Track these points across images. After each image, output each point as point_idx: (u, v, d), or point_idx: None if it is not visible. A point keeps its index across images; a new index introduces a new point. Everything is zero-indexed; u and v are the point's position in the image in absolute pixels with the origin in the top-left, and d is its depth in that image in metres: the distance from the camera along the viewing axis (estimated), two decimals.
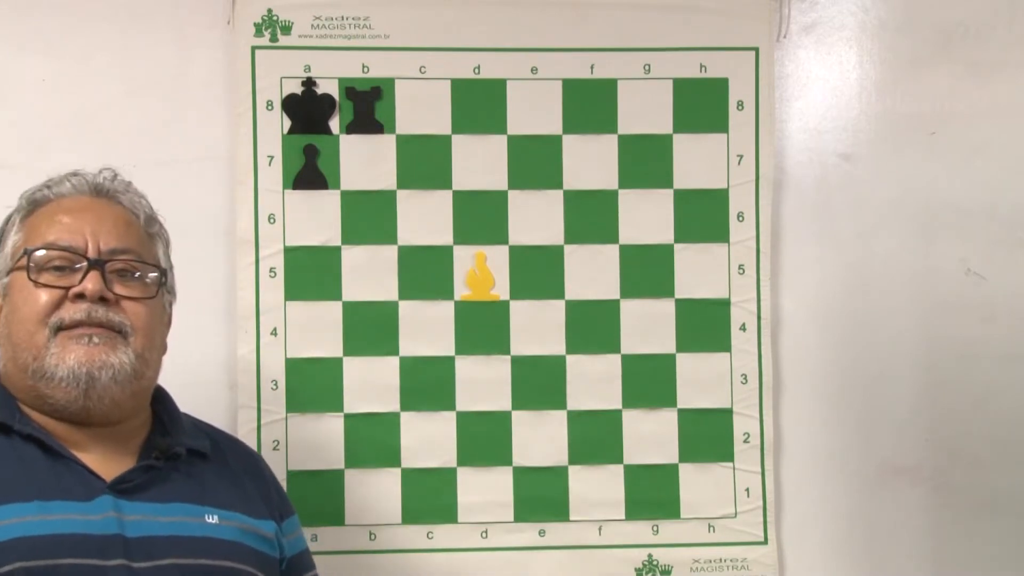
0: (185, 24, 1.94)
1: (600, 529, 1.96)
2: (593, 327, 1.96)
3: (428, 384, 1.94)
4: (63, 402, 1.33)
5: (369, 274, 1.94)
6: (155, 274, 1.43)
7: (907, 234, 2.02)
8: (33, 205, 1.43)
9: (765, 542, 1.98)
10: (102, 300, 1.35)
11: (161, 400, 1.49)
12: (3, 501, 1.27)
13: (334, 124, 1.94)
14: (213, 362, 1.93)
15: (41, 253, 1.36)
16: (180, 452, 1.41)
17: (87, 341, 1.33)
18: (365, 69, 1.94)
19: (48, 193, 1.43)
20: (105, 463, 1.34)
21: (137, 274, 1.40)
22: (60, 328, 1.33)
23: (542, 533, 1.95)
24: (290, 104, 1.93)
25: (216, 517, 1.38)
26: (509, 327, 1.95)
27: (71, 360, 1.32)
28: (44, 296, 1.34)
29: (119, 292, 1.37)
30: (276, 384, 1.92)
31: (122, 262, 1.39)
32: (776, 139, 2.00)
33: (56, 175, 1.46)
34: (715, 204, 1.98)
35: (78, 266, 1.36)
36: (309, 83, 1.93)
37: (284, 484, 1.91)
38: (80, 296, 1.34)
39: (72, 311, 1.33)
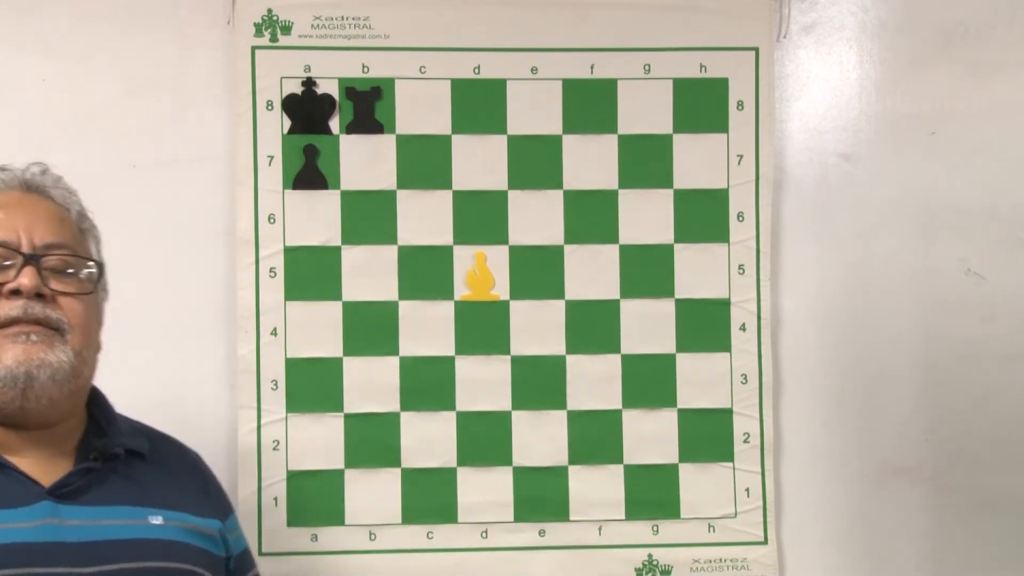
0: (185, 24, 1.94)
1: (600, 529, 1.96)
2: (593, 327, 1.96)
3: (428, 384, 1.94)
4: None
5: (369, 274, 1.94)
6: (91, 270, 1.36)
7: (907, 234, 2.02)
8: None
9: (765, 542, 1.98)
10: (38, 296, 1.29)
11: (96, 401, 1.43)
12: None
13: (334, 124, 1.94)
14: (213, 362, 1.93)
15: None
16: (118, 452, 1.36)
17: (24, 339, 1.27)
18: (365, 69, 1.94)
19: None
20: (41, 467, 1.30)
21: (71, 270, 1.34)
22: None
23: (542, 533, 1.95)
24: (290, 104, 1.93)
25: (160, 518, 1.34)
26: (509, 327, 1.95)
27: (8, 359, 1.26)
28: None
29: (55, 288, 1.31)
30: (276, 384, 1.92)
31: (57, 257, 1.33)
32: (776, 139, 2.00)
33: None
34: (715, 204, 1.98)
35: (9, 262, 1.30)
36: (309, 83, 1.93)
37: (284, 484, 1.91)
38: (15, 292, 1.28)
39: (7, 308, 1.28)
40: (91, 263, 1.37)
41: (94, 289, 1.37)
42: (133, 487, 1.36)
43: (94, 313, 1.38)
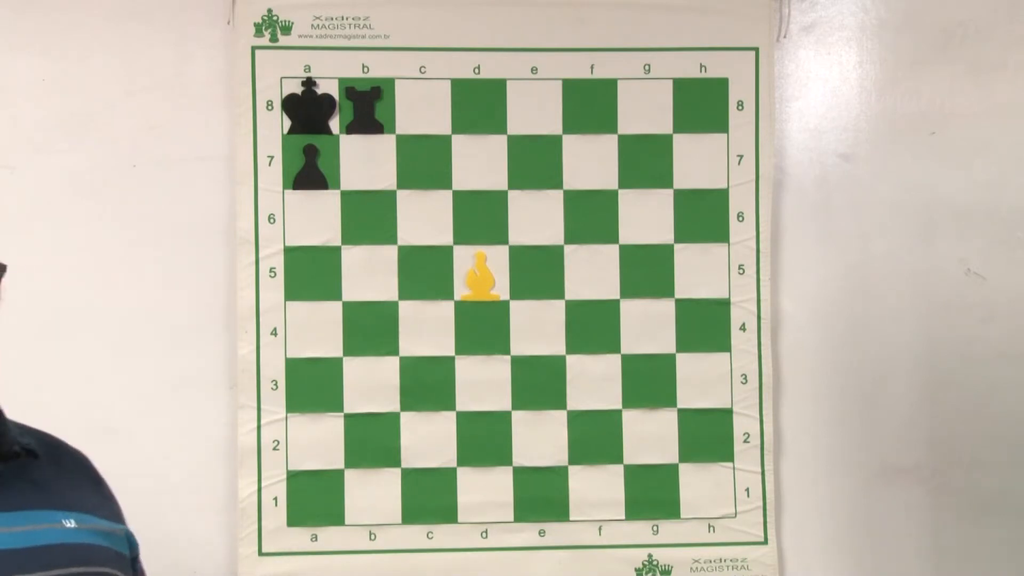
0: (185, 24, 1.94)
1: (600, 529, 1.96)
2: (593, 327, 1.96)
3: (428, 384, 1.94)
4: None
5: (369, 274, 1.94)
6: None
7: (907, 234, 2.02)
8: None
9: (765, 542, 1.98)
10: None
11: None
12: None
13: (334, 124, 1.94)
14: (213, 362, 1.93)
15: None
16: (18, 451, 1.26)
17: None
18: (365, 69, 1.94)
19: None
20: None
21: None
22: None
23: (542, 533, 1.95)
24: (290, 104, 1.93)
25: (73, 521, 1.25)
26: (509, 327, 1.95)
27: None
28: None
29: None
30: (276, 384, 1.92)
31: None
32: (776, 139, 2.00)
33: None
34: (715, 204, 1.98)
35: None
36: (309, 83, 1.93)
37: (284, 484, 1.92)
38: None
39: None
40: None
41: None
42: (38, 489, 1.27)
43: None
